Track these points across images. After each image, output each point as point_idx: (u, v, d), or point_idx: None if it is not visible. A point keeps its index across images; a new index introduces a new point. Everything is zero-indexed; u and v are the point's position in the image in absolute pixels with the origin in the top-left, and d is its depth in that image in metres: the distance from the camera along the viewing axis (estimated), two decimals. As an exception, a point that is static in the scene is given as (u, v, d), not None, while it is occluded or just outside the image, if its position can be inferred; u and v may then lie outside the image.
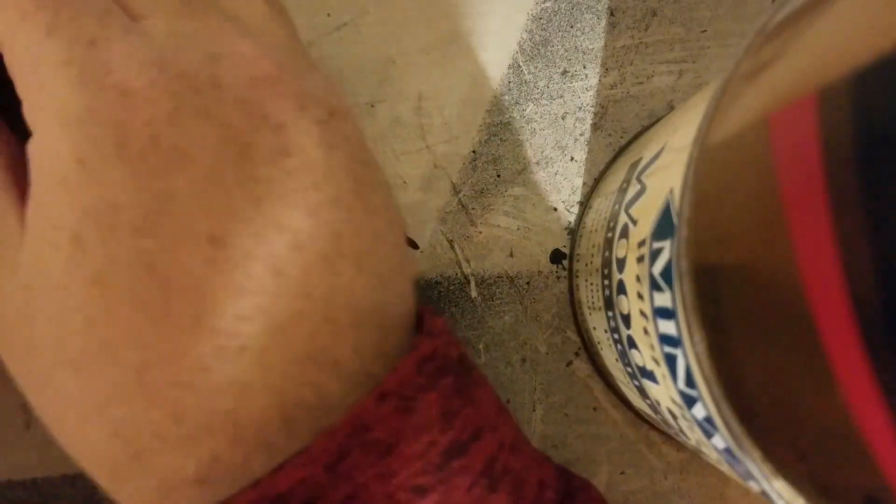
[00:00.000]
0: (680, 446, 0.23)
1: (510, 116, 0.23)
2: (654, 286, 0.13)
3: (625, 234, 0.16)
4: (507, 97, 0.23)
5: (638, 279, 0.14)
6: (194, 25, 0.14)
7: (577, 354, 0.23)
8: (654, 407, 0.17)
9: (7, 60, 0.14)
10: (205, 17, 0.14)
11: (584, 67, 0.23)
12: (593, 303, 0.20)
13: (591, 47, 0.23)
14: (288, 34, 0.16)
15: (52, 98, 0.13)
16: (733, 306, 0.11)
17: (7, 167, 0.15)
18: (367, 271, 0.14)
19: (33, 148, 0.13)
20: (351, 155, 0.15)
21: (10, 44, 0.14)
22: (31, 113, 0.13)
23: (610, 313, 0.17)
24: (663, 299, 0.13)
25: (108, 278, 0.12)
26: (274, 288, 0.13)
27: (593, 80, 0.23)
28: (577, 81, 0.23)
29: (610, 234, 0.18)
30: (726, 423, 0.11)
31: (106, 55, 0.13)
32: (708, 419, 0.12)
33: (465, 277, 0.23)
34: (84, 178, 0.12)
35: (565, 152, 0.24)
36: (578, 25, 0.23)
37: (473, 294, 0.23)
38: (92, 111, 0.13)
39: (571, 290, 0.23)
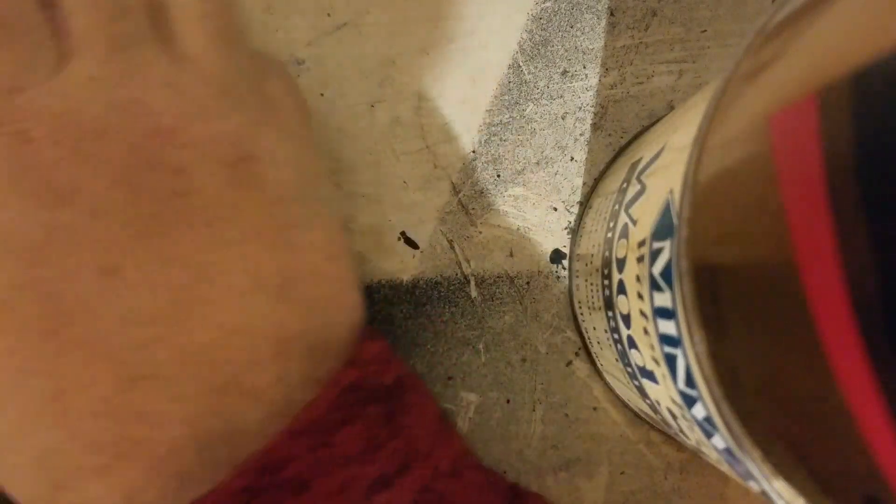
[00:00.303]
0: (680, 446, 0.23)
1: (510, 116, 0.23)
2: (654, 286, 0.13)
3: (625, 234, 0.16)
4: (507, 97, 0.23)
5: (638, 279, 0.14)
6: (115, 69, 0.14)
7: (577, 354, 0.23)
8: (654, 407, 0.17)
9: None
10: (130, 60, 0.15)
11: (584, 67, 0.23)
12: (593, 303, 0.20)
13: (591, 47, 0.23)
14: (224, 65, 0.16)
15: None
16: (733, 306, 0.11)
17: None
18: (291, 302, 0.15)
19: None
20: (270, 195, 0.15)
21: None
22: None
23: (610, 313, 0.17)
24: (663, 299, 0.13)
25: (12, 303, 0.13)
26: (174, 318, 0.13)
27: (593, 80, 0.23)
28: (577, 81, 0.23)
29: (610, 234, 0.18)
30: (726, 423, 0.11)
31: (19, 103, 0.14)
32: (708, 419, 0.12)
33: (465, 277, 0.23)
34: None
35: (565, 152, 0.24)
36: (578, 25, 0.23)
37: (473, 294, 0.23)
38: None
39: (571, 290, 0.23)
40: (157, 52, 0.15)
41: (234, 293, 0.14)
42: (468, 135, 0.23)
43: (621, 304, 0.16)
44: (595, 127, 0.23)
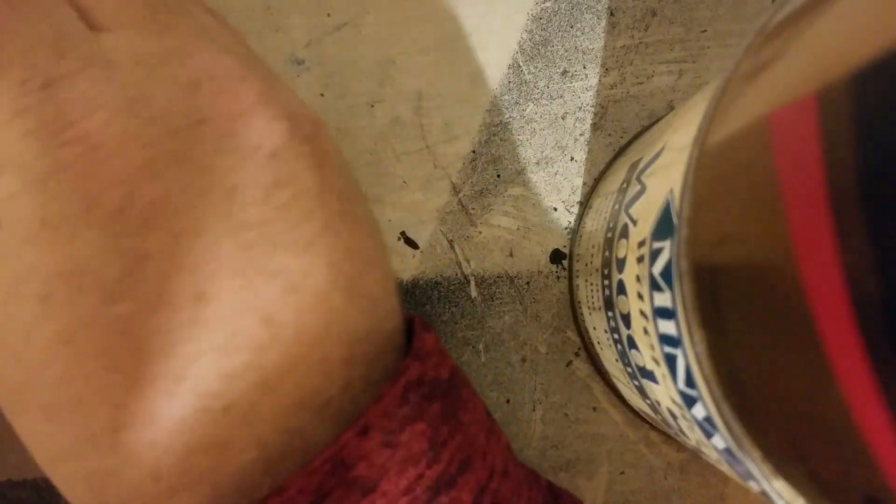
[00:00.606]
0: (680, 446, 0.23)
1: (510, 116, 0.23)
2: (654, 286, 0.13)
3: (625, 234, 0.16)
4: (507, 97, 0.23)
5: (638, 279, 0.14)
6: (166, 43, 0.13)
7: (577, 354, 0.23)
8: (654, 407, 0.17)
9: None
10: (176, 28, 0.13)
11: (584, 67, 0.23)
12: (593, 303, 0.20)
13: (591, 47, 0.23)
14: (241, 42, 0.15)
15: (9, 152, 0.11)
16: (733, 306, 0.11)
17: None
18: (358, 298, 0.13)
19: None
20: (336, 170, 0.14)
21: None
22: None
23: (610, 313, 0.17)
24: (663, 299, 0.13)
25: (78, 338, 0.11)
26: (266, 340, 0.12)
27: (593, 80, 0.23)
28: (577, 81, 0.23)
29: (610, 234, 0.18)
30: (726, 423, 0.11)
31: (64, 101, 0.11)
32: (708, 419, 0.12)
33: (465, 277, 0.23)
34: (50, 239, 0.11)
35: (565, 152, 0.24)
36: (578, 25, 0.23)
37: (473, 294, 0.23)
38: (55, 170, 0.11)
39: (571, 290, 0.23)
40: (194, 30, 0.13)
41: (319, 297, 0.13)
42: (468, 135, 0.23)
43: (621, 304, 0.16)
44: (595, 127, 0.23)
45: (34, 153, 0.11)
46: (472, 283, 0.23)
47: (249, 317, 0.12)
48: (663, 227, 0.13)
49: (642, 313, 0.14)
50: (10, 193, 0.11)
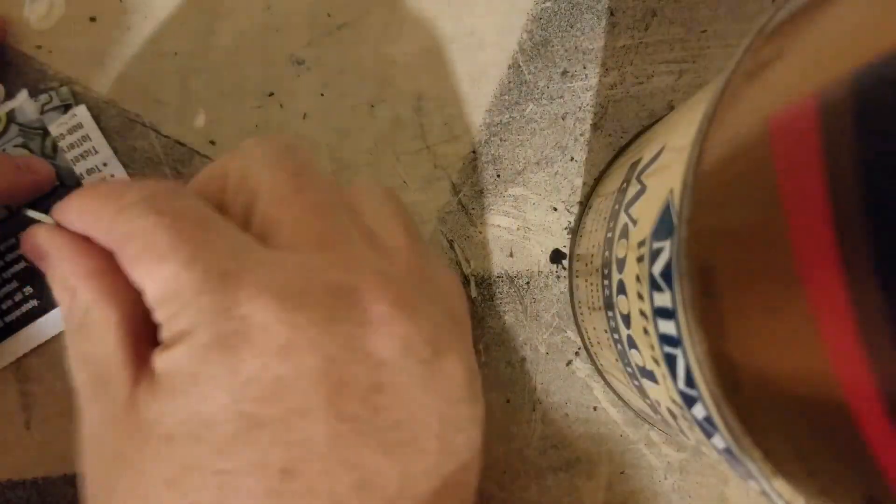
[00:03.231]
0: (680, 446, 0.23)
1: (510, 116, 0.23)
2: (654, 286, 0.13)
3: (625, 234, 0.16)
4: (507, 97, 0.23)
5: (638, 279, 0.14)
6: (327, 258, 0.14)
7: (577, 354, 0.23)
8: (654, 407, 0.17)
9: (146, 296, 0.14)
10: (341, 250, 0.15)
11: (584, 67, 0.23)
12: (593, 303, 0.20)
13: (591, 47, 0.23)
14: (418, 258, 0.16)
15: (186, 325, 0.13)
16: (733, 306, 0.11)
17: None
18: None
19: (163, 361, 0.13)
20: (449, 396, 0.15)
21: (147, 281, 0.14)
22: (166, 334, 0.14)
23: (610, 313, 0.17)
24: (663, 299, 0.13)
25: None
26: None
27: (593, 80, 0.23)
28: (577, 81, 0.23)
29: (610, 234, 0.18)
30: (726, 423, 0.11)
31: (238, 283, 0.13)
32: (708, 419, 0.12)
33: (465, 277, 0.23)
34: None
35: (565, 152, 0.24)
36: (578, 25, 0.23)
37: (473, 294, 0.23)
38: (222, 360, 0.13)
39: (571, 290, 0.23)
40: (362, 246, 0.15)
41: (384, 502, 0.14)
42: (468, 135, 0.23)
43: (621, 304, 0.16)
44: (595, 127, 0.23)
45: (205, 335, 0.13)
46: (472, 283, 0.23)
47: (318, 501, 0.13)
48: (663, 227, 0.13)
49: (642, 313, 0.14)
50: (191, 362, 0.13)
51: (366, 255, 0.15)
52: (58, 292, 0.15)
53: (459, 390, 0.15)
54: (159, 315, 0.14)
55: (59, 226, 0.15)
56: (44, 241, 0.15)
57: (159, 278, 0.13)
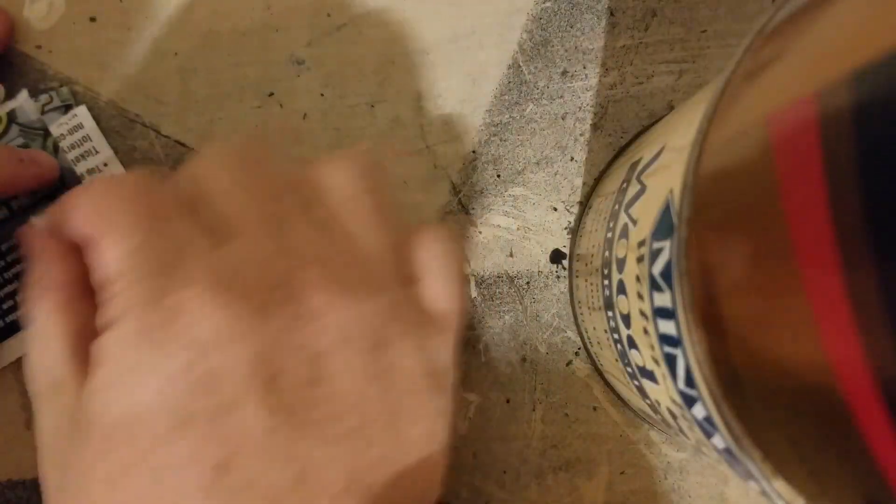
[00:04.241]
0: (680, 446, 0.23)
1: (510, 116, 0.23)
2: (654, 286, 0.13)
3: (625, 234, 0.16)
4: (507, 97, 0.23)
5: (638, 279, 0.14)
6: (270, 246, 0.15)
7: (577, 354, 0.23)
8: (654, 407, 0.17)
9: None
10: (284, 237, 0.15)
11: (584, 67, 0.23)
12: (593, 303, 0.20)
13: (591, 47, 0.23)
14: (377, 245, 0.16)
15: (119, 310, 0.13)
16: (733, 306, 0.11)
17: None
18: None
19: (96, 347, 0.14)
20: (395, 388, 0.15)
21: (99, 261, 0.14)
22: (102, 318, 0.14)
23: (610, 313, 0.17)
24: (663, 299, 0.13)
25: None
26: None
27: (593, 80, 0.23)
28: (577, 81, 0.23)
29: (610, 234, 0.18)
30: (726, 423, 0.11)
31: (184, 273, 0.14)
32: (708, 419, 0.12)
33: (465, 277, 0.23)
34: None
35: (565, 152, 0.24)
36: (578, 25, 0.23)
37: (473, 294, 0.23)
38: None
39: (571, 290, 0.23)
40: (311, 232, 0.15)
41: (327, 496, 0.14)
42: (468, 135, 0.23)
43: (621, 304, 0.16)
44: (595, 127, 0.23)
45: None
46: (472, 282, 0.23)
47: (256, 496, 0.13)
48: (663, 227, 0.13)
49: (642, 313, 0.14)
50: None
51: (310, 241, 0.15)
52: (29, 298, 0.15)
53: (413, 381, 0.15)
54: (107, 292, 0.14)
55: (47, 231, 0.15)
56: (31, 243, 0.15)
57: (113, 256, 0.14)
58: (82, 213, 0.14)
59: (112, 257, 0.14)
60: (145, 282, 0.13)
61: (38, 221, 0.17)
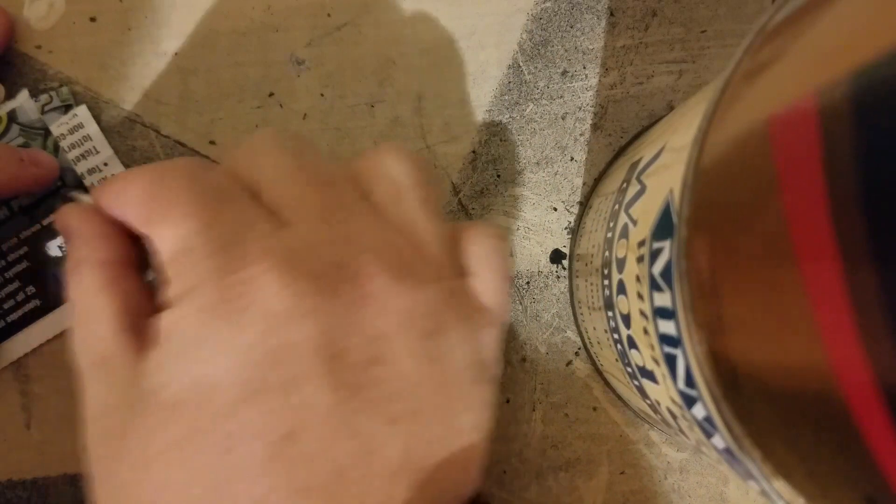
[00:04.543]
0: (680, 446, 0.23)
1: (510, 116, 0.23)
2: (654, 286, 0.13)
3: (625, 234, 0.16)
4: (507, 97, 0.23)
5: (638, 279, 0.14)
6: (328, 234, 0.15)
7: (577, 354, 0.23)
8: (654, 407, 0.17)
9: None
10: (341, 225, 0.15)
11: (584, 67, 0.23)
12: (593, 303, 0.20)
13: (591, 47, 0.23)
14: (430, 235, 0.16)
15: (192, 284, 0.14)
16: (733, 305, 0.11)
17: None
18: (426, 487, 0.14)
19: (167, 319, 0.14)
20: (449, 373, 0.15)
21: (163, 238, 0.14)
22: (172, 291, 0.14)
23: (610, 313, 0.17)
24: (663, 299, 0.13)
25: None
26: (333, 494, 0.14)
27: (593, 80, 0.23)
28: (577, 81, 0.23)
29: (610, 234, 0.18)
30: (726, 423, 0.11)
31: (242, 252, 0.14)
32: (708, 419, 0.12)
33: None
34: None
35: (565, 152, 0.24)
36: (578, 25, 0.23)
37: (473, 294, 0.23)
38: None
39: (571, 290, 0.23)
40: (368, 219, 0.15)
41: (385, 473, 0.14)
42: (468, 135, 0.23)
43: (621, 304, 0.16)
44: (595, 127, 0.23)
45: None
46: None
47: (324, 465, 0.13)
48: (663, 227, 0.13)
49: (642, 313, 0.14)
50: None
51: (368, 228, 0.15)
52: (70, 275, 0.15)
53: (466, 370, 0.15)
54: (169, 271, 0.14)
55: (95, 208, 0.15)
56: (73, 221, 0.16)
57: (175, 236, 0.14)
58: (136, 195, 0.15)
59: (175, 236, 0.14)
60: (211, 259, 0.14)
61: (86, 198, 0.16)
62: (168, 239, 0.14)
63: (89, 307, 0.15)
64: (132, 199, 0.15)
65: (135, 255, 0.15)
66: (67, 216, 0.16)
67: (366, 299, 0.14)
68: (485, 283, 0.16)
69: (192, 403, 0.13)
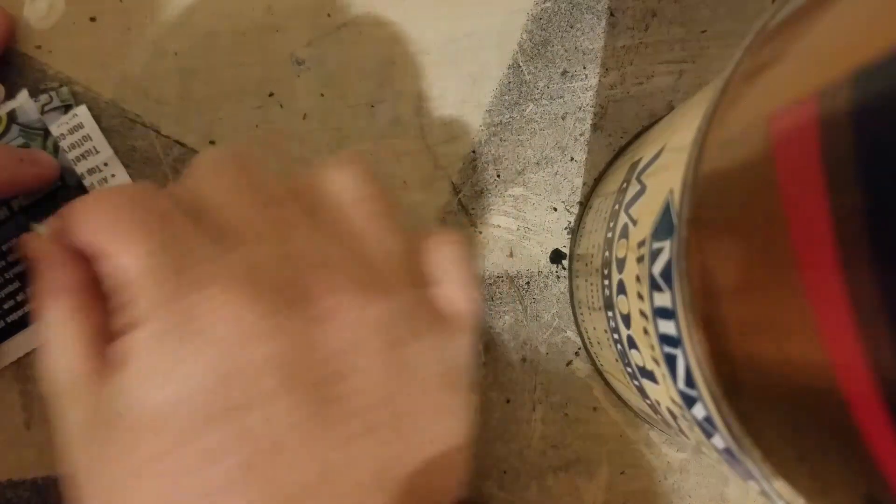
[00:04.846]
0: (680, 446, 0.23)
1: (510, 116, 0.23)
2: (654, 286, 0.13)
3: (625, 234, 0.16)
4: (507, 97, 0.23)
5: (638, 279, 0.14)
6: (274, 253, 0.15)
7: (577, 354, 0.23)
8: (654, 407, 0.17)
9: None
10: (286, 243, 0.15)
11: (584, 67, 0.23)
12: (593, 303, 0.20)
13: (591, 47, 0.23)
14: (383, 246, 0.16)
15: (143, 311, 0.14)
16: (733, 306, 0.11)
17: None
18: (404, 499, 0.14)
19: (121, 346, 0.14)
20: (417, 383, 0.15)
21: (114, 266, 0.14)
22: (125, 319, 0.14)
23: (610, 313, 0.17)
24: (663, 299, 0.13)
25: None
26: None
27: (593, 81, 0.23)
28: (577, 81, 0.23)
29: (610, 234, 0.18)
30: (726, 423, 0.11)
31: (193, 277, 0.14)
32: (708, 419, 0.12)
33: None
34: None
35: (565, 152, 0.24)
36: (578, 25, 0.23)
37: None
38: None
39: (571, 290, 0.23)
40: (318, 234, 0.15)
41: (358, 488, 0.14)
42: (468, 135, 0.23)
43: (621, 304, 0.16)
44: (595, 127, 0.23)
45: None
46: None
47: (283, 491, 0.14)
48: (663, 227, 0.13)
49: (642, 313, 0.14)
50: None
51: (319, 243, 0.15)
52: (38, 304, 0.15)
53: (435, 378, 0.15)
54: (127, 295, 0.14)
55: (53, 236, 0.16)
56: (35, 252, 0.16)
57: (132, 258, 0.14)
58: (90, 222, 0.15)
59: (128, 262, 0.14)
60: (165, 283, 0.14)
61: (41, 229, 0.17)
62: (127, 260, 0.14)
63: (59, 333, 0.15)
64: (87, 225, 0.15)
65: (97, 279, 0.15)
66: (29, 247, 0.16)
67: (327, 314, 0.14)
68: (451, 290, 0.16)
69: (155, 427, 0.13)
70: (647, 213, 0.14)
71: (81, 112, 0.23)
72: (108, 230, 0.14)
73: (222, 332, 0.13)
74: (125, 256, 0.14)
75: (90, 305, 0.15)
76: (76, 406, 0.14)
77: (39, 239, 0.16)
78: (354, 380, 0.14)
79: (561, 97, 0.23)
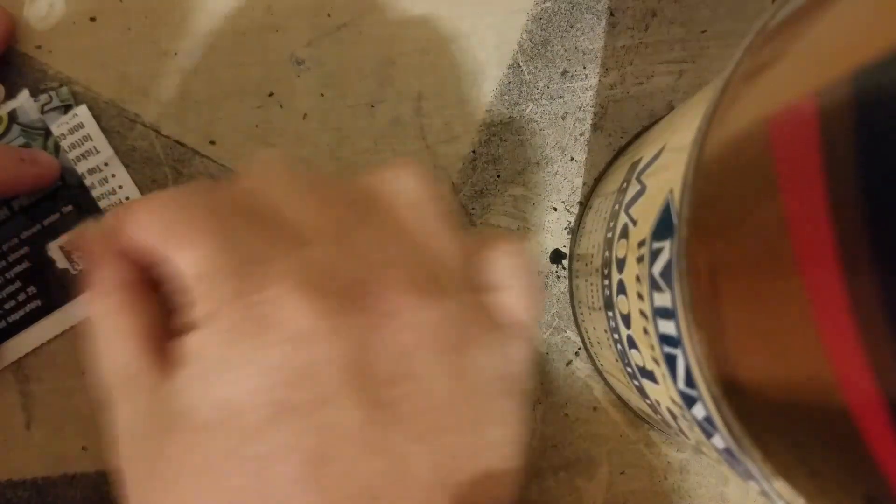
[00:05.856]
0: (680, 446, 0.23)
1: (510, 116, 0.23)
2: (654, 286, 0.13)
3: (625, 234, 0.16)
4: (507, 97, 0.23)
5: (638, 279, 0.14)
6: (342, 253, 0.15)
7: (577, 354, 0.23)
8: (654, 407, 0.17)
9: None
10: (354, 243, 0.15)
11: (584, 67, 0.23)
12: (593, 303, 0.20)
13: (591, 47, 0.23)
14: (445, 247, 0.16)
15: (215, 306, 0.14)
16: (733, 306, 0.11)
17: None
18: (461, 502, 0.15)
19: (191, 343, 0.14)
20: (482, 389, 0.15)
21: (183, 262, 0.14)
22: (196, 314, 0.14)
23: (610, 313, 0.17)
24: (663, 299, 0.13)
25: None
26: None
27: (593, 80, 0.23)
28: (577, 81, 0.23)
29: (610, 234, 0.18)
30: (726, 423, 0.11)
31: (265, 272, 0.14)
32: (708, 419, 0.12)
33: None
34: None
35: (565, 152, 0.24)
36: (578, 25, 0.23)
37: (473, 294, 0.23)
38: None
39: (571, 290, 0.23)
40: (386, 235, 0.15)
41: (418, 490, 0.14)
42: (468, 135, 0.23)
43: (621, 304, 0.16)
44: (595, 127, 0.23)
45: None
46: (472, 283, 0.23)
47: (351, 486, 0.13)
48: (663, 227, 0.13)
49: (642, 313, 0.14)
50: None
51: (387, 244, 0.15)
52: (91, 295, 0.15)
53: (493, 383, 0.15)
54: (191, 294, 0.14)
55: (113, 230, 0.16)
56: (92, 242, 0.16)
57: (195, 258, 0.14)
58: (146, 224, 0.15)
59: (192, 261, 0.14)
60: (231, 281, 0.14)
61: (93, 226, 0.17)
62: (189, 261, 0.14)
63: (112, 328, 0.15)
64: (152, 223, 0.15)
65: (153, 279, 0.15)
66: (86, 237, 0.16)
67: (389, 315, 0.14)
68: (512, 298, 0.16)
69: (220, 425, 0.13)
70: (647, 213, 0.14)
71: (81, 112, 0.23)
72: (166, 231, 0.14)
73: (289, 329, 0.13)
74: (185, 259, 0.14)
75: (149, 300, 0.15)
76: (131, 401, 0.14)
77: (100, 229, 0.16)
78: (416, 381, 0.14)
79: (561, 97, 0.23)
